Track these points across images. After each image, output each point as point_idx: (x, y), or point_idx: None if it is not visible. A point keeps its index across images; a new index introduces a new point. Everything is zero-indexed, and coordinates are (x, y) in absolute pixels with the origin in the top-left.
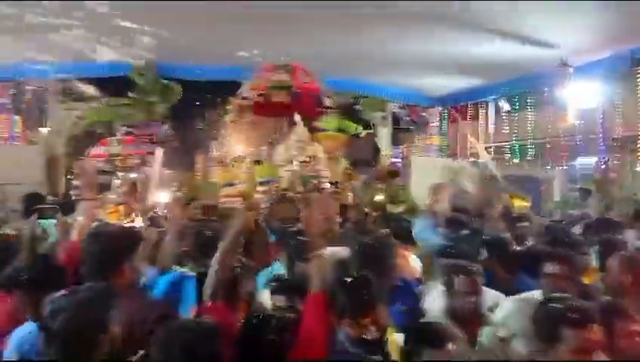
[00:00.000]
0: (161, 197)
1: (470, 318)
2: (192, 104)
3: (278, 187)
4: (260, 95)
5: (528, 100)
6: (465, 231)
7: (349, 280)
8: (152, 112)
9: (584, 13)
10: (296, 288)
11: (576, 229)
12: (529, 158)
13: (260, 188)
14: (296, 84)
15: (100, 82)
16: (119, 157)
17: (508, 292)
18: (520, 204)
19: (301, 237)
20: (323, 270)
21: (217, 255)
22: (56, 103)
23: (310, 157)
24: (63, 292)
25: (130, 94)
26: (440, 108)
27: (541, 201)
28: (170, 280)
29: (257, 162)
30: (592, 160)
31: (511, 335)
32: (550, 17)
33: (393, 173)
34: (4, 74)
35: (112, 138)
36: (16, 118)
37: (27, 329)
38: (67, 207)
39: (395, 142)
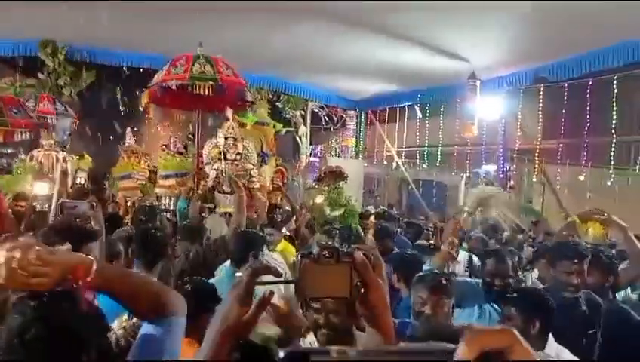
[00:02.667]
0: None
1: None
2: (106, 90)
3: (205, 185)
4: (182, 86)
5: (440, 109)
6: None
7: None
8: (60, 95)
9: (495, 32)
10: None
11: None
12: (437, 164)
13: (163, 183)
14: (221, 77)
15: (6, 60)
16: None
17: None
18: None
19: None
20: None
21: None
22: None
23: (240, 155)
24: None
25: (39, 75)
26: (357, 111)
27: (447, 206)
28: None
29: (179, 153)
30: (492, 168)
31: None
32: (465, 33)
33: (338, 175)
34: None
35: None
36: None
37: None
38: None
39: (313, 141)
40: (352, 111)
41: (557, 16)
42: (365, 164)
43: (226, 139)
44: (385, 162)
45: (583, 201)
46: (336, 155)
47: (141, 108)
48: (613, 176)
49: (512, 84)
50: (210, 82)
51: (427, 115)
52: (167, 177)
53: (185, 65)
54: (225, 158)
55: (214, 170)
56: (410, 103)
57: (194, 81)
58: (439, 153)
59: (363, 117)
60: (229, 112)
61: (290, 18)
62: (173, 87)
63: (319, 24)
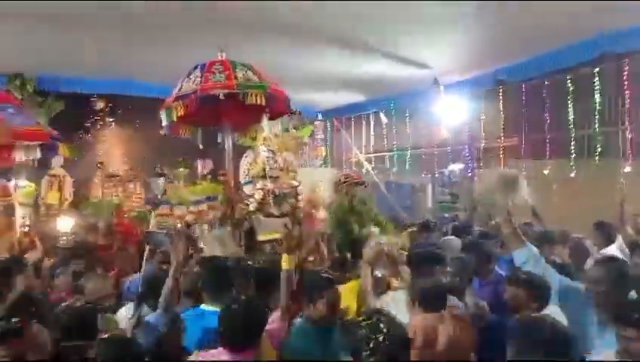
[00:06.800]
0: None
1: None
2: (74, 117)
3: (245, 208)
4: (231, 95)
5: (405, 114)
6: None
7: None
8: None
9: (453, 37)
10: None
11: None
12: (407, 167)
13: (192, 209)
14: (270, 84)
15: None
16: None
17: None
18: None
19: None
20: None
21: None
22: None
23: (282, 170)
24: None
25: None
26: (325, 121)
27: (415, 206)
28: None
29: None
30: (459, 167)
31: None
32: (424, 41)
33: (358, 183)
34: None
35: None
36: None
37: None
38: None
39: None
40: (320, 122)
41: (511, 21)
42: (336, 172)
43: (266, 152)
44: (354, 168)
45: (549, 192)
46: (305, 165)
47: (164, 124)
48: (574, 168)
49: (473, 87)
50: (261, 90)
51: (393, 120)
52: (197, 203)
53: (226, 72)
54: (267, 175)
55: (259, 189)
56: (375, 110)
57: (245, 89)
58: (408, 156)
59: (330, 126)
60: (265, 122)
61: (252, 34)
62: (221, 97)
63: (281, 39)
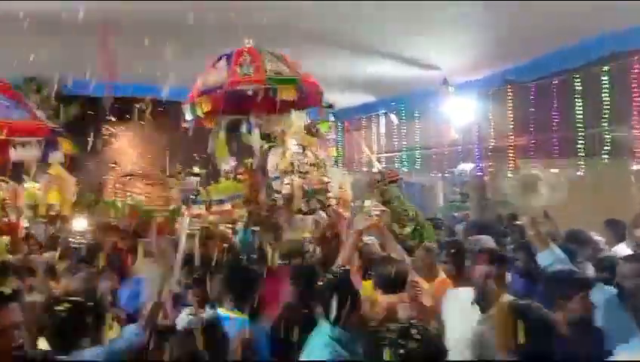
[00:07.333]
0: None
1: None
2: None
3: (274, 204)
4: (262, 89)
5: (415, 114)
6: None
7: None
8: None
9: (461, 38)
10: None
11: (458, 229)
12: (416, 166)
13: (217, 209)
14: (302, 77)
15: None
16: None
17: None
18: None
19: None
20: None
21: None
22: None
23: (312, 166)
24: None
25: None
26: (335, 122)
27: (425, 204)
28: None
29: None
30: (469, 166)
31: None
32: (433, 41)
33: (392, 180)
34: None
35: None
36: None
37: None
38: None
39: None
40: (331, 123)
41: (518, 22)
42: (345, 172)
43: (296, 146)
44: (365, 168)
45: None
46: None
47: (188, 119)
48: (583, 166)
49: (481, 87)
50: (293, 85)
51: (403, 120)
52: (221, 202)
53: (255, 64)
54: (296, 170)
55: (287, 184)
56: (385, 111)
57: (275, 83)
58: (417, 156)
59: (340, 127)
60: (294, 115)
61: (262, 36)
62: (250, 93)
63: (291, 41)
